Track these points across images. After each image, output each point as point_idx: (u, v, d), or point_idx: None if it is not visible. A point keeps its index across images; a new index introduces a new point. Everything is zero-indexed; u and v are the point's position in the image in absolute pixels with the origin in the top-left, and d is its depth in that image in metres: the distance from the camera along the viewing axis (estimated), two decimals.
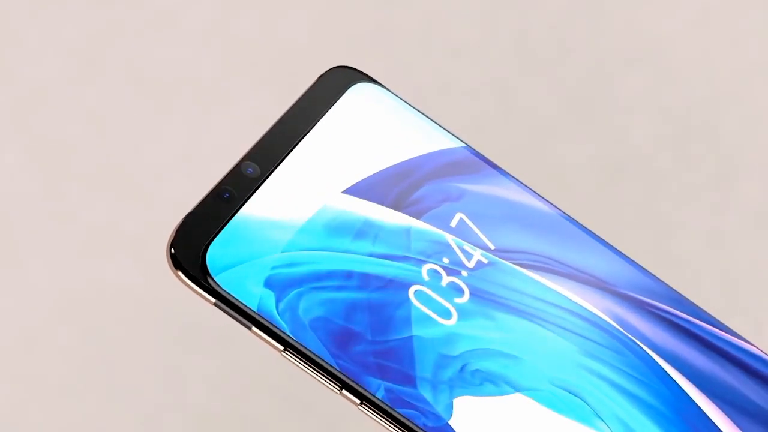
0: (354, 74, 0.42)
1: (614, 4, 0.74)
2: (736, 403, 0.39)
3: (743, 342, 0.40)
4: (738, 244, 0.68)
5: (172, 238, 0.37)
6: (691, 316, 0.40)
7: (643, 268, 0.41)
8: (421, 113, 0.42)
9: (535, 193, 0.41)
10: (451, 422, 0.37)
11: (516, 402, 0.37)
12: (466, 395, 0.37)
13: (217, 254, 0.37)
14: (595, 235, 0.41)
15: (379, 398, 0.36)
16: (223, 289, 0.37)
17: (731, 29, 0.73)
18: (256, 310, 0.37)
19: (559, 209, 0.41)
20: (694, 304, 0.40)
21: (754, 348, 0.40)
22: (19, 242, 0.68)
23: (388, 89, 0.42)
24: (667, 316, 0.40)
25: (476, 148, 0.42)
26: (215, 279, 0.37)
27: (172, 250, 0.37)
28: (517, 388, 0.38)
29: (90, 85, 0.71)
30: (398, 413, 0.36)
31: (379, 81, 0.42)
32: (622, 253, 0.41)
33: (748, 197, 0.69)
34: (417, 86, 0.71)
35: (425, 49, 0.72)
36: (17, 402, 0.64)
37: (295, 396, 0.64)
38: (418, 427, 0.36)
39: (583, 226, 0.41)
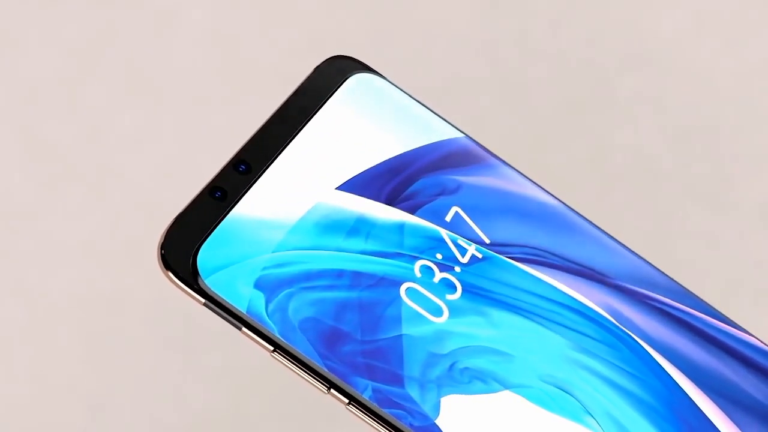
0: (352, 64, 0.41)
1: (616, 4, 0.73)
2: (733, 397, 0.38)
3: (742, 333, 0.39)
4: (738, 244, 0.68)
5: (162, 239, 0.37)
6: (688, 306, 0.39)
7: (643, 259, 0.40)
8: (421, 104, 0.41)
9: (535, 183, 0.40)
10: (437, 421, 0.36)
11: (504, 400, 0.37)
12: (454, 394, 0.37)
13: (207, 256, 0.37)
14: (595, 225, 0.40)
15: (366, 398, 0.36)
16: (212, 291, 0.37)
17: (731, 29, 0.73)
18: (245, 312, 0.37)
19: (557, 198, 0.40)
20: (693, 293, 0.40)
21: (754, 339, 0.39)
22: (16, 242, 0.68)
23: (387, 79, 0.41)
24: (665, 308, 0.39)
25: None
26: (205, 281, 0.37)
27: (162, 252, 0.37)
28: (506, 386, 0.37)
29: (89, 85, 0.71)
30: (385, 413, 0.36)
31: (377, 71, 0.42)
32: (622, 244, 0.40)
33: (748, 197, 0.69)
34: (417, 84, 0.71)
35: (425, 46, 0.72)
36: (15, 402, 0.64)
37: (284, 395, 0.64)
38: (405, 426, 0.36)
39: (583, 216, 0.40)
